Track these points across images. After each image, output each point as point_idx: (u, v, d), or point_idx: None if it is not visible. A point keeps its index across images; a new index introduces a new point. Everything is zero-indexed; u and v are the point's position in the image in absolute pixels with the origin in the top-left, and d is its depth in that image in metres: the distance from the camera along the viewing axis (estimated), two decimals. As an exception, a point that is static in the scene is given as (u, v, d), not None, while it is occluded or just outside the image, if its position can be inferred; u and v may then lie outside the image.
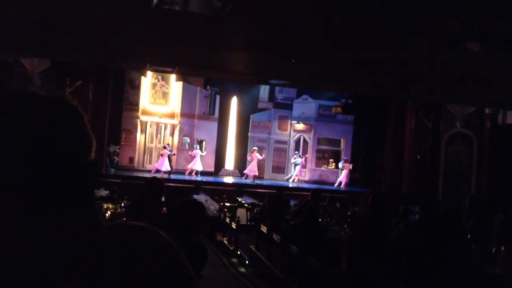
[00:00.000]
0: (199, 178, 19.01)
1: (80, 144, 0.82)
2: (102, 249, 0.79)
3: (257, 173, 20.16)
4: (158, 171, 18.26)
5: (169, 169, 18.50)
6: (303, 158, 21.26)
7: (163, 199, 5.37)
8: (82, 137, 0.83)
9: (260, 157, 20.13)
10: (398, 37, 7.12)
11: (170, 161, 18.74)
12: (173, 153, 19.33)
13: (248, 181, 19.55)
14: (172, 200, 4.69)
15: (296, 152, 21.65)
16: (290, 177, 20.86)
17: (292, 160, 21.12)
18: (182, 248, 0.87)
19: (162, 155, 18.79)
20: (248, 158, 20.54)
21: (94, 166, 0.84)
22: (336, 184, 20.41)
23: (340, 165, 20.83)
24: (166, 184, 5.86)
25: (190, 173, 19.46)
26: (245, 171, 20.31)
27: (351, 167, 20.78)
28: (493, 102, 14.18)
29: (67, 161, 0.79)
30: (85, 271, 0.77)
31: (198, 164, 19.55)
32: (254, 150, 20.50)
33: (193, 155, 19.73)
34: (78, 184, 0.81)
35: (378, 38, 7.25)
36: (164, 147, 19.16)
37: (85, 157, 0.82)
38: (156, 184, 4.97)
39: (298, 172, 20.89)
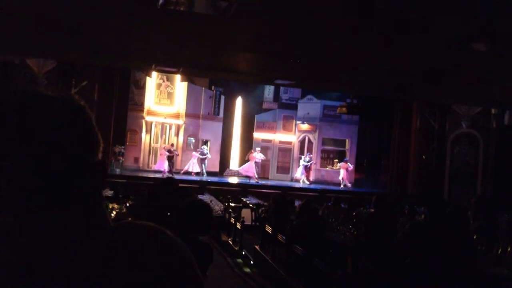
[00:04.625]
0: (198, 178, 19.03)
1: (88, 144, 0.82)
2: (109, 248, 0.80)
3: (251, 174, 20.03)
4: (163, 171, 18.36)
5: (167, 169, 18.54)
6: (311, 162, 21.16)
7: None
8: (90, 137, 0.83)
9: (258, 158, 20.10)
10: (403, 36, 7.10)
11: (171, 162, 18.78)
12: (176, 153, 19.32)
13: (253, 181, 19.57)
14: (178, 200, 4.70)
15: (308, 154, 21.50)
16: (302, 179, 20.71)
17: (303, 162, 20.93)
18: (188, 247, 0.87)
19: (161, 154, 18.87)
20: (246, 158, 20.50)
21: (101, 166, 0.84)
22: (342, 186, 20.35)
23: (338, 165, 20.83)
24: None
25: (197, 174, 19.57)
26: (240, 171, 20.25)
27: (350, 167, 20.73)
28: (499, 102, 14.12)
29: (74, 160, 0.79)
30: (93, 269, 0.77)
31: (195, 166, 19.56)
32: (252, 151, 20.51)
33: (192, 156, 19.79)
34: (85, 184, 0.81)
35: (383, 38, 7.24)
36: (165, 148, 19.21)
37: (93, 157, 0.83)
38: (167, 184, 4.98)
39: (304, 172, 20.83)
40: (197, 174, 19.59)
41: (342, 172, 20.54)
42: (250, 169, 19.87)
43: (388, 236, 5.46)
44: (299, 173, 20.84)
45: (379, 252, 5.34)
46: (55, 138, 0.77)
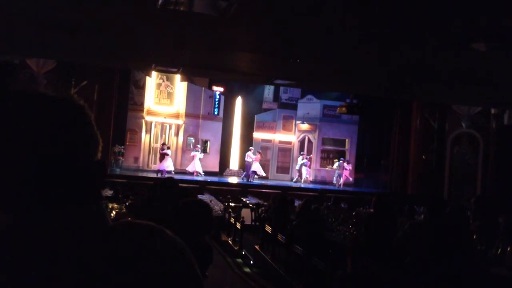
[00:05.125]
0: (201, 178, 19.02)
1: (87, 143, 0.82)
2: (109, 247, 0.80)
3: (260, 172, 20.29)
4: (162, 172, 18.37)
5: (165, 169, 18.55)
6: (308, 158, 21.27)
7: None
8: (89, 137, 0.83)
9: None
10: (402, 37, 7.10)
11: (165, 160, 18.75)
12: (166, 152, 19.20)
13: (253, 181, 19.61)
14: (178, 200, 4.70)
15: (302, 153, 21.65)
16: (299, 179, 20.80)
17: (300, 161, 21.08)
18: (188, 247, 0.87)
19: (167, 154, 18.84)
20: (254, 159, 20.42)
21: (101, 166, 0.84)
22: (337, 185, 20.47)
23: (335, 165, 21.00)
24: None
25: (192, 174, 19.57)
26: (258, 172, 20.27)
27: (348, 167, 20.77)
28: (499, 102, 14.12)
29: (74, 160, 0.79)
30: (92, 269, 0.77)
31: (197, 165, 19.56)
32: (259, 152, 20.58)
33: (193, 156, 19.80)
34: (85, 184, 0.81)
35: (382, 39, 7.24)
36: (163, 147, 19.17)
37: (92, 157, 0.83)
38: (169, 185, 4.97)
39: (307, 173, 20.94)
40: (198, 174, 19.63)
41: (340, 173, 20.70)
42: (258, 168, 20.08)
43: (388, 236, 5.46)
44: (305, 173, 20.80)
45: (379, 252, 5.35)
46: (55, 138, 0.78)
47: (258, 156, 20.38)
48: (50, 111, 0.79)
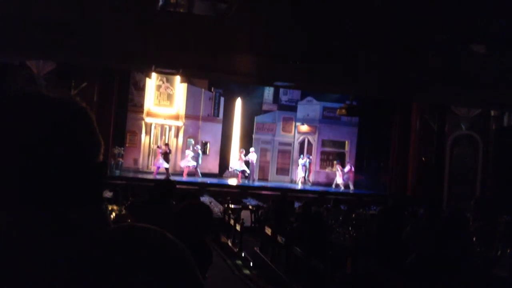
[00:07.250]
0: (199, 179, 18.99)
1: (89, 145, 0.82)
2: (109, 250, 0.80)
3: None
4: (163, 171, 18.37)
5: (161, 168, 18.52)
6: (306, 160, 21.22)
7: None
8: (91, 139, 0.83)
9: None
10: (402, 38, 7.11)
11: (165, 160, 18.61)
12: (161, 150, 19.11)
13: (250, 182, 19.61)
14: (178, 202, 4.70)
15: (308, 156, 21.59)
16: (300, 179, 20.81)
17: (300, 162, 21.12)
18: (188, 249, 0.87)
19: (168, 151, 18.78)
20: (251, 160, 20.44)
21: (102, 168, 0.84)
22: (334, 186, 20.47)
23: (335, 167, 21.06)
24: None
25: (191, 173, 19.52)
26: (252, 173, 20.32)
27: (340, 167, 20.78)
28: (499, 104, 14.13)
29: (76, 162, 0.79)
30: (92, 272, 0.77)
31: (190, 161, 19.51)
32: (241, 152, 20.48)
33: (185, 155, 19.76)
34: (86, 186, 0.81)
35: (382, 40, 7.25)
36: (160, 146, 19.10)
37: (94, 159, 0.83)
38: (165, 186, 4.97)
39: (305, 174, 20.89)
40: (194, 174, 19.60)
41: (337, 174, 20.68)
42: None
43: (388, 237, 5.45)
44: (300, 174, 20.78)
45: (379, 253, 5.34)
46: (56, 140, 0.78)
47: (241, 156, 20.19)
48: (52, 113, 0.79)
